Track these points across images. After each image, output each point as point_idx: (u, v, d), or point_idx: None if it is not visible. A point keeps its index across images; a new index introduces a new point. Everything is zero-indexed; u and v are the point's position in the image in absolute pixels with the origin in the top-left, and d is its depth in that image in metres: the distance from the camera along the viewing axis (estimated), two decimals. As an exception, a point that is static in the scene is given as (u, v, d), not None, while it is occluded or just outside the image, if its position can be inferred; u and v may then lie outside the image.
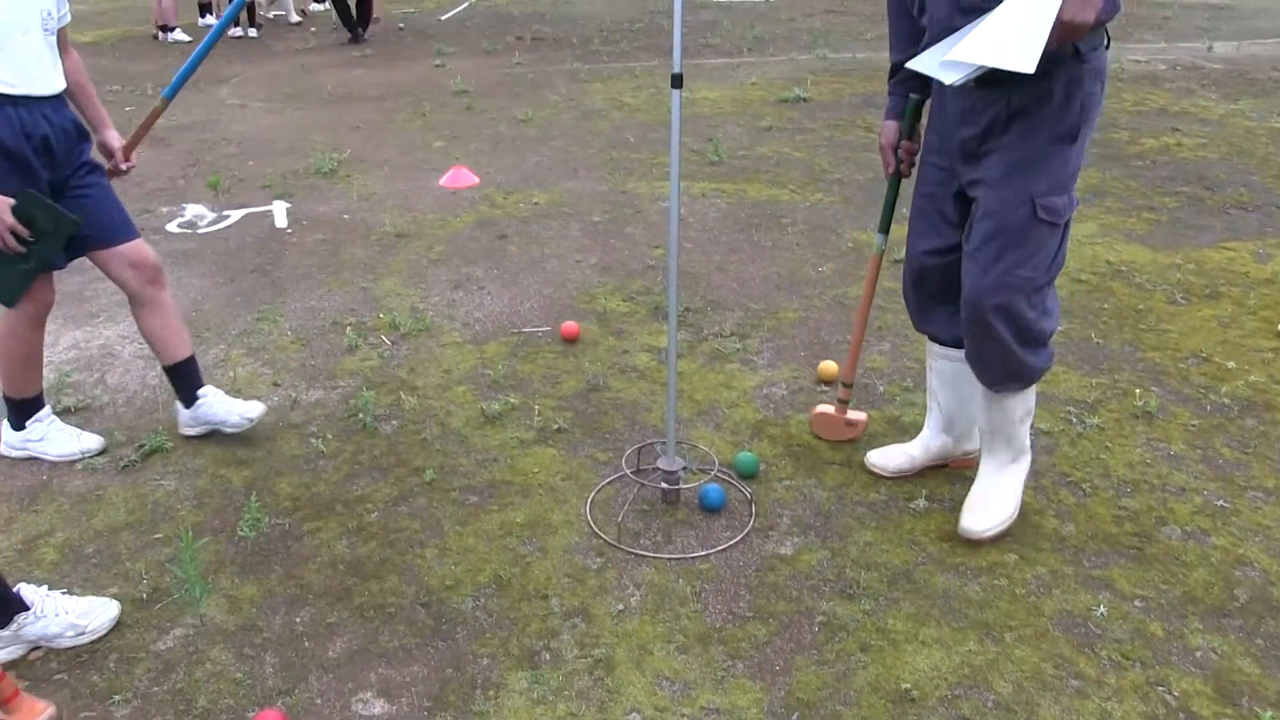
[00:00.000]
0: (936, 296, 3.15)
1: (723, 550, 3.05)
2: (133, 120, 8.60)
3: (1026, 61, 2.50)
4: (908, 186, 3.21)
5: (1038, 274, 2.85)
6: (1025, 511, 3.20)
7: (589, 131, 8.06)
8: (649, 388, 3.99)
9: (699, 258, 5.31)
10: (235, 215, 6.14)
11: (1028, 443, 3.17)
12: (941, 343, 3.22)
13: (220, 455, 3.59)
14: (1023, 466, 3.17)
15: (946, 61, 2.69)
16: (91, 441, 3.62)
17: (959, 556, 3.01)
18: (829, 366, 4.02)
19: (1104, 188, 6.46)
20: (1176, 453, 3.55)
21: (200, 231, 5.87)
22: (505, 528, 3.16)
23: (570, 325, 4.43)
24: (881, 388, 3.99)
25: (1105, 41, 2.78)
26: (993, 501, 3.11)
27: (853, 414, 3.60)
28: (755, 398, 3.91)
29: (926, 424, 3.41)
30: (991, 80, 2.70)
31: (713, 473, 3.36)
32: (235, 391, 3.99)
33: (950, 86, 2.78)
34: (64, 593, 2.75)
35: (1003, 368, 2.95)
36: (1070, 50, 2.67)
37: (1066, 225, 2.88)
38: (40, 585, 2.74)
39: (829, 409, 3.61)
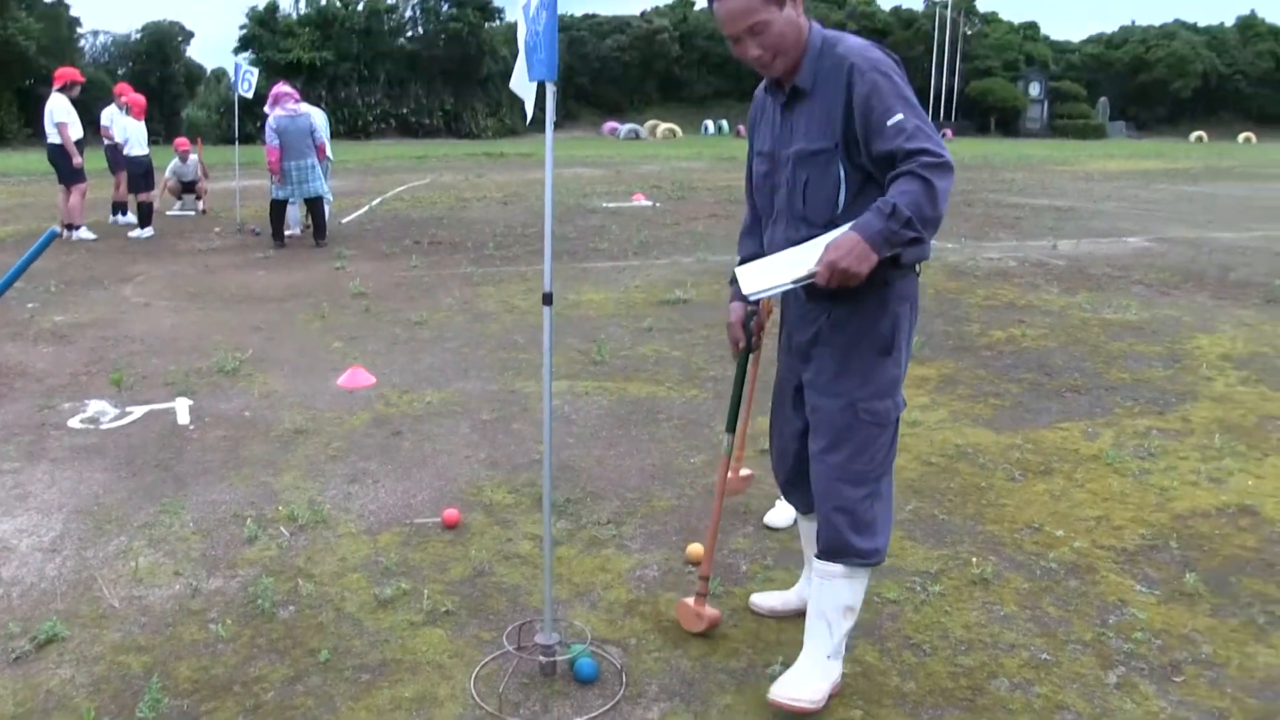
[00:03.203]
0: (797, 471, 3.51)
1: (595, 717, 3.33)
2: (35, 318, 8.87)
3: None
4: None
5: (870, 468, 3.23)
6: (871, 671, 3.56)
7: (481, 333, 8.50)
8: (531, 572, 4.30)
9: (580, 452, 5.68)
10: (138, 411, 6.39)
11: (843, 651, 3.43)
12: (805, 511, 3.62)
13: (119, 642, 3.78)
14: (836, 669, 3.42)
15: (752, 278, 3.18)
16: None
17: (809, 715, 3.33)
18: (696, 549, 4.37)
19: (956, 377, 7.07)
20: (1008, 613, 3.95)
21: (103, 427, 6.10)
22: (395, 702, 3.41)
23: (451, 512, 4.76)
24: (744, 567, 4.35)
25: (916, 271, 3.21)
26: (805, 687, 3.33)
27: (708, 609, 3.80)
28: (629, 579, 4.24)
29: (802, 576, 3.87)
30: (815, 293, 3.13)
31: (587, 646, 3.66)
32: (136, 581, 4.22)
33: (792, 299, 3.29)
34: None
35: (837, 541, 3.27)
36: (882, 277, 3.05)
37: (895, 424, 3.27)
38: None
39: (689, 600, 3.84)
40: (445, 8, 63.02)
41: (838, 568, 3.30)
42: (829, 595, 3.35)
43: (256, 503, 5.00)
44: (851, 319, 3.19)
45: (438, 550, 4.51)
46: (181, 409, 6.44)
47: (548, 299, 3.32)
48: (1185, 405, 6.55)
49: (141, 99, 15.12)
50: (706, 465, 5.47)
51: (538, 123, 3.54)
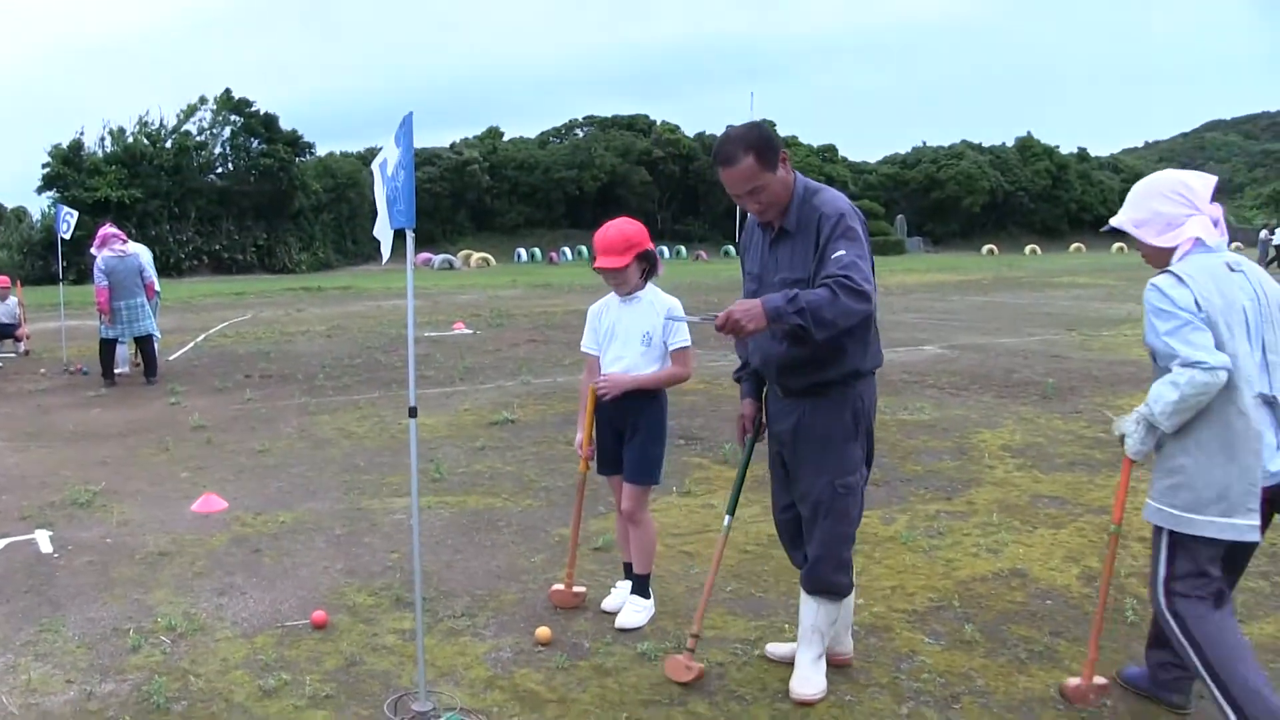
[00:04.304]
0: (794, 541, 4.46)
1: (468, 770, 3.88)
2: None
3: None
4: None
5: (848, 527, 4.22)
6: (701, 719, 4.21)
7: (323, 458, 8.96)
8: (398, 660, 4.81)
9: (430, 558, 6.21)
10: (-2, 545, 6.66)
11: (825, 645, 4.41)
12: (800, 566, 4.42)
13: (27, 742, 4.15)
14: (824, 661, 4.40)
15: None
16: None
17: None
18: (544, 631, 4.97)
19: (766, 477, 7.81)
20: (814, 672, 4.64)
21: (-36, 563, 6.36)
22: (289, 772, 3.89)
23: (319, 614, 5.26)
24: (587, 645, 4.96)
25: (872, 372, 4.24)
26: (814, 683, 4.32)
27: (692, 662, 4.52)
28: (486, 660, 4.80)
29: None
30: (790, 390, 4.13)
31: (458, 711, 4.20)
32: (31, 691, 4.57)
33: (773, 395, 4.30)
34: None
35: (826, 582, 4.26)
36: (842, 378, 4.08)
37: (861, 490, 4.24)
38: None
39: (679, 656, 4.55)
40: (255, 144, 62.99)
41: (827, 598, 4.29)
42: (822, 616, 4.33)
43: (134, 617, 5.37)
44: (821, 414, 4.14)
45: (311, 647, 4.98)
46: (43, 539, 6.73)
47: (413, 412, 3.94)
48: (970, 490, 7.49)
49: None
50: (546, 563, 6.07)
51: (398, 253, 4.20)
